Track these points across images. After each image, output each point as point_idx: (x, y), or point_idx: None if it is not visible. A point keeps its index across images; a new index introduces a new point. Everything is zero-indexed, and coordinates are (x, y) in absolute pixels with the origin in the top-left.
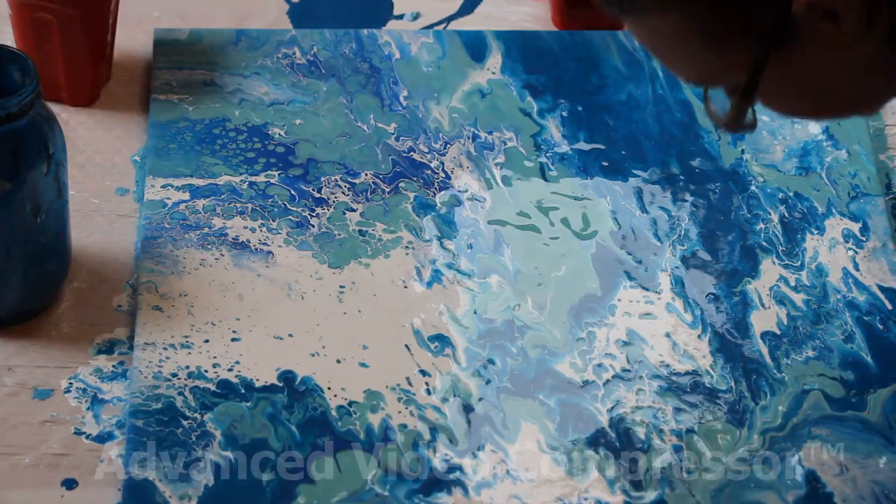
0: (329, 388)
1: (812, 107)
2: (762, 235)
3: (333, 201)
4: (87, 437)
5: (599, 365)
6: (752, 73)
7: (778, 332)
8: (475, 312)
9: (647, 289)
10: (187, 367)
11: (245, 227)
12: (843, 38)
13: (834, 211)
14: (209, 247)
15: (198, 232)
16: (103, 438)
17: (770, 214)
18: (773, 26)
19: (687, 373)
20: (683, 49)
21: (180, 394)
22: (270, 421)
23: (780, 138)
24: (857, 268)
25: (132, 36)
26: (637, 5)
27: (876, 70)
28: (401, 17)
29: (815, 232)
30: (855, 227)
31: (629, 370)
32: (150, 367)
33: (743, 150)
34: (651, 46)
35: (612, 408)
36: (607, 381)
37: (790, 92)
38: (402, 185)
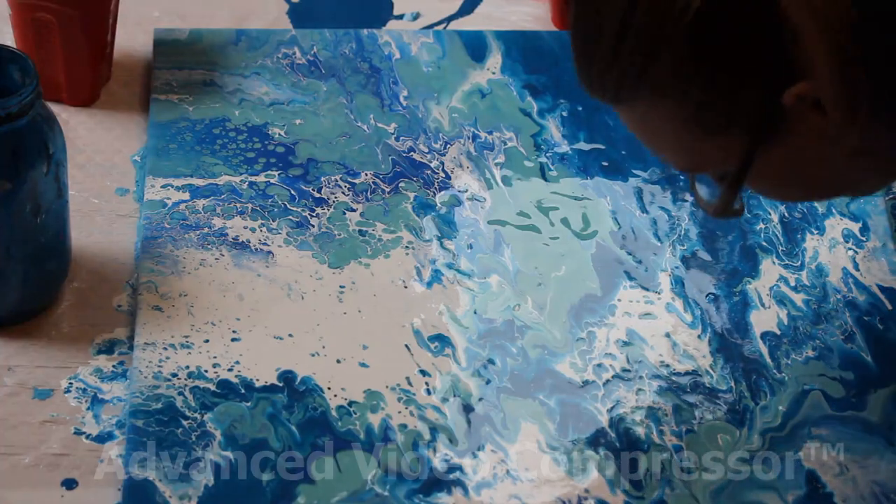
0: (329, 388)
1: (802, 192)
2: (762, 235)
3: (333, 201)
4: (87, 437)
5: (599, 365)
6: (742, 162)
7: (778, 333)
8: (475, 312)
9: (647, 289)
10: (187, 367)
11: (245, 227)
12: (828, 129)
13: (834, 211)
14: (209, 247)
15: (198, 232)
16: (103, 438)
17: (770, 214)
18: (763, 116)
19: (687, 373)
20: (673, 137)
21: (180, 394)
22: (270, 421)
23: None
24: (857, 268)
25: (132, 36)
26: (628, 94)
27: (864, 155)
28: (401, 17)
29: (815, 232)
30: (855, 227)
31: (629, 370)
32: (150, 367)
33: None
34: (641, 134)
35: (612, 408)
36: (607, 381)
37: (780, 179)
38: (402, 185)
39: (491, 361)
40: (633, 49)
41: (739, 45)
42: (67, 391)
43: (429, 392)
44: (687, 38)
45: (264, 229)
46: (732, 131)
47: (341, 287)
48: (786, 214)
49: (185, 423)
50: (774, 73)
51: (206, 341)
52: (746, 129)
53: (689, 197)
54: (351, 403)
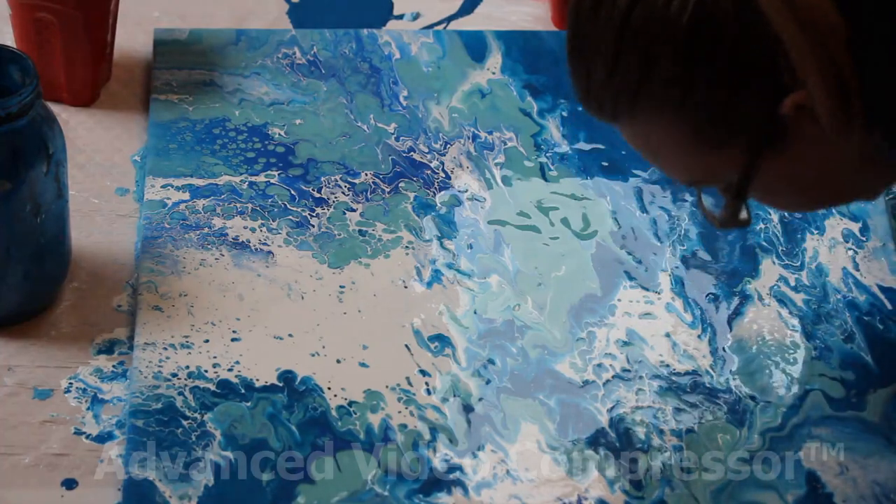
0: (329, 388)
1: (806, 201)
2: (762, 235)
3: (333, 201)
4: (87, 437)
5: (599, 365)
6: (744, 174)
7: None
8: (475, 312)
9: (647, 289)
10: (187, 367)
11: (245, 227)
12: (826, 137)
13: (834, 211)
14: (209, 247)
15: (198, 232)
16: (103, 438)
17: (770, 214)
18: (763, 128)
19: (687, 373)
20: (674, 152)
21: (180, 394)
22: (270, 421)
23: None
24: (857, 268)
25: (132, 36)
26: (626, 111)
27: (865, 162)
28: (401, 17)
29: (815, 232)
30: (855, 227)
31: (629, 370)
32: (150, 367)
33: None
34: (643, 150)
35: (612, 408)
36: (607, 381)
37: (783, 189)
38: (402, 185)
39: (491, 361)
40: (628, 66)
41: (733, 59)
42: (67, 391)
43: (429, 392)
44: (680, 53)
45: (264, 229)
46: (733, 144)
47: (341, 287)
48: (786, 215)
49: (185, 423)
50: (771, 84)
51: (206, 341)
52: (747, 141)
53: (689, 197)
54: (351, 403)
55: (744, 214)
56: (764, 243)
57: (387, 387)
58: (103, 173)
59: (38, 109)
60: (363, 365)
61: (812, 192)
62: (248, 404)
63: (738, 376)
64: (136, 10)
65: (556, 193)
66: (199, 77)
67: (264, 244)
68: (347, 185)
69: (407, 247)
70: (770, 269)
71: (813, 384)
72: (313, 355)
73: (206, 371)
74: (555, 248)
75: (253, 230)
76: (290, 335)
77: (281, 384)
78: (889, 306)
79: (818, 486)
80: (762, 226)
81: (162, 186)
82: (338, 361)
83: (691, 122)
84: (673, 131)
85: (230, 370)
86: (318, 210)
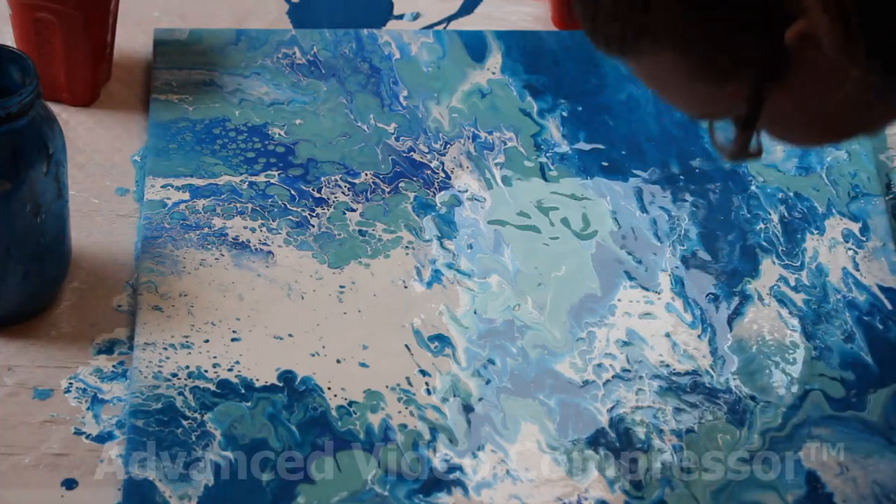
0: (329, 388)
1: (815, 134)
2: (762, 235)
3: (333, 201)
4: (87, 437)
5: (599, 365)
6: (751, 105)
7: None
8: (475, 312)
9: (647, 289)
10: (187, 367)
11: (245, 227)
12: (836, 71)
13: (834, 211)
14: (209, 247)
15: (198, 232)
16: (103, 438)
17: (770, 214)
18: (767, 58)
19: (687, 373)
20: (682, 86)
21: (180, 394)
22: (270, 421)
23: None
24: (857, 268)
25: (132, 36)
26: (633, 46)
27: (871, 100)
28: (401, 17)
29: (815, 232)
30: (855, 227)
31: (629, 370)
32: (150, 367)
33: None
34: (652, 84)
35: (612, 408)
36: (607, 381)
37: (791, 121)
38: (402, 185)
39: (491, 361)
40: (631, 3)
41: None
42: (67, 391)
43: (429, 392)
44: None
45: (264, 229)
46: (739, 77)
47: (341, 287)
48: (786, 214)
49: (185, 423)
50: (773, 14)
51: (206, 341)
52: (752, 74)
53: (689, 197)
54: (351, 403)
55: (754, 146)
56: (764, 243)
57: (387, 387)
58: (103, 173)
59: (38, 109)
60: (363, 365)
61: (821, 125)
62: (248, 404)
63: (738, 376)
64: (136, 10)
65: (556, 193)
66: (199, 77)
67: (264, 244)
68: (347, 185)
69: (407, 247)
70: (770, 269)
71: (813, 384)
72: (313, 355)
73: (206, 371)
74: (555, 248)
75: (253, 230)
76: (290, 335)
77: (281, 384)
78: (889, 306)
79: (818, 486)
80: (762, 226)
81: (162, 186)
82: (338, 361)
83: (695, 55)
84: (678, 65)
85: (230, 370)
86: (318, 210)
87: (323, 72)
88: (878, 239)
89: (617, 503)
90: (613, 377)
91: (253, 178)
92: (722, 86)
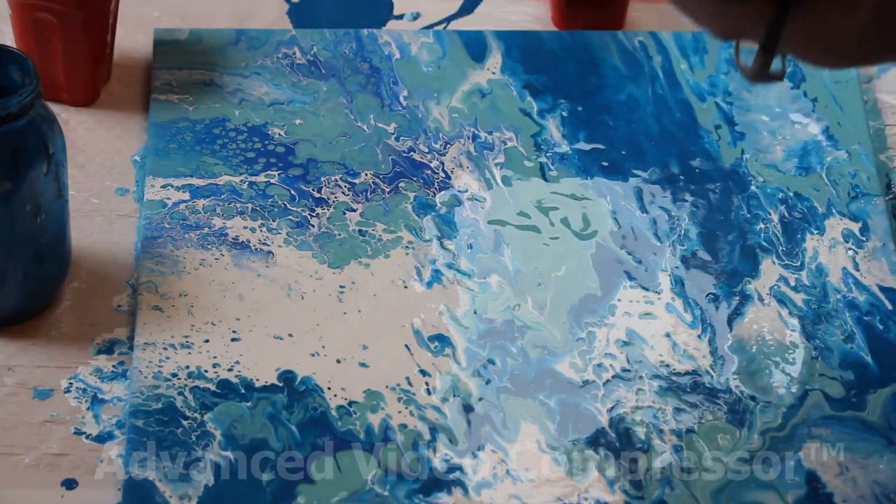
0: (329, 388)
1: (838, 57)
2: (762, 235)
3: (333, 201)
4: (87, 437)
5: (599, 365)
6: (770, 28)
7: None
8: (475, 312)
9: (647, 289)
10: (187, 367)
11: (245, 227)
12: None
13: (834, 211)
14: (209, 247)
15: (198, 232)
16: (103, 438)
17: (770, 214)
18: None
19: (687, 373)
20: (705, 6)
21: (180, 394)
22: (270, 421)
23: (780, 138)
24: (857, 268)
25: (132, 36)
26: None
27: (890, 21)
28: (401, 17)
29: (815, 232)
30: (855, 227)
31: (629, 370)
32: (150, 367)
33: (743, 151)
34: (675, 3)
35: (612, 408)
36: (607, 381)
37: (813, 43)
38: (402, 185)
39: (491, 361)
40: None
41: None
42: (67, 391)
43: (429, 392)
44: None
45: (264, 229)
46: None
47: (341, 287)
48: (786, 214)
49: (185, 423)
50: None
51: (206, 341)
52: None
53: (689, 197)
54: (351, 403)
55: (776, 68)
56: (764, 243)
57: (387, 387)
58: (103, 173)
59: (38, 109)
60: (363, 365)
61: (842, 48)
62: (248, 404)
63: (738, 376)
64: (136, 10)
65: (556, 193)
66: (199, 77)
67: (264, 244)
68: (347, 185)
69: (407, 247)
70: (770, 269)
71: (813, 384)
72: (313, 355)
73: (206, 371)
74: (555, 248)
75: (253, 230)
76: (290, 335)
77: (281, 384)
78: (889, 306)
79: (818, 486)
80: (762, 226)
81: (162, 186)
82: (338, 361)
83: None
84: None
85: (230, 370)
86: (318, 210)
87: (323, 72)
88: (878, 239)
89: (617, 503)
90: (613, 377)
91: (253, 178)
92: (744, 5)
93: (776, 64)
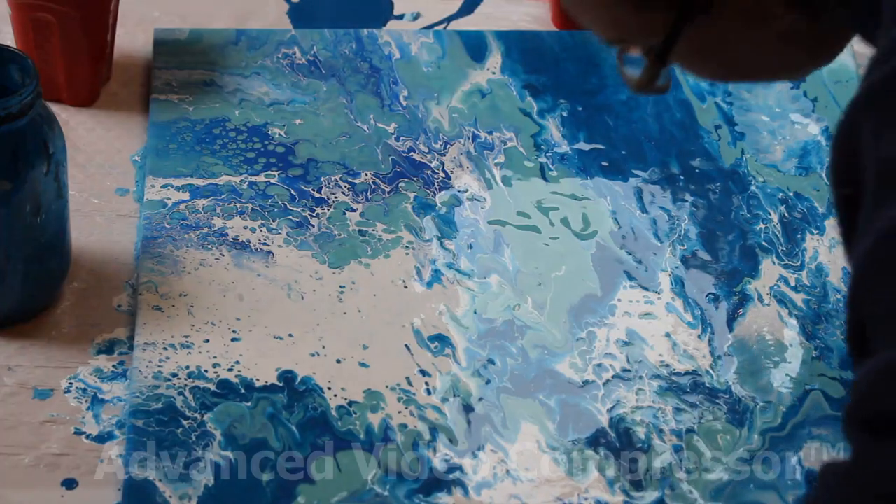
0: (329, 388)
1: (729, 72)
2: (762, 235)
3: (333, 201)
4: (87, 437)
5: (599, 365)
6: (668, 38)
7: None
8: (475, 312)
9: (647, 289)
10: (187, 367)
11: (245, 227)
12: (761, 8)
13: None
14: (209, 247)
15: (198, 232)
16: (103, 438)
17: (770, 214)
18: None
19: (687, 373)
20: (603, 10)
21: (180, 394)
22: (270, 421)
23: (779, 138)
24: None
25: (132, 36)
26: None
27: (793, 42)
28: (401, 17)
29: (815, 232)
30: None
31: (629, 370)
32: (150, 367)
33: (743, 150)
34: (574, 8)
35: (612, 408)
36: (607, 381)
37: (706, 57)
38: (402, 185)
39: (491, 361)
40: None
41: None
42: (67, 391)
43: (429, 392)
44: None
45: (264, 229)
46: (661, 5)
47: (341, 287)
48: (786, 214)
49: (185, 423)
50: None
51: (206, 341)
52: (675, 4)
53: (689, 197)
54: (351, 403)
55: (662, 81)
56: (764, 243)
57: (387, 387)
58: (103, 173)
59: (38, 109)
60: (363, 365)
61: (735, 63)
62: (248, 404)
63: (738, 376)
64: (136, 10)
65: (556, 193)
66: (199, 77)
67: (264, 244)
68: (347, 185)
69: (407, 247)
70: (770, 269)
71: (813, 384)
72: (313, 355)
73: (206, 371)
74: (555, 248)
75: (253, 230)
76: (290, 335)
77: (281, 384)
78: None
79: None
80: (762, 226)
81: (162, 186)
82: (338, 361)
83: None
84: None
85: (230, 370)
86: (318, 210)
87: (323, 72)
88: None
89: (617, 503)
90: (613, 377)
91: (253, 178)
92: (639, 12)
93: (662, 78)
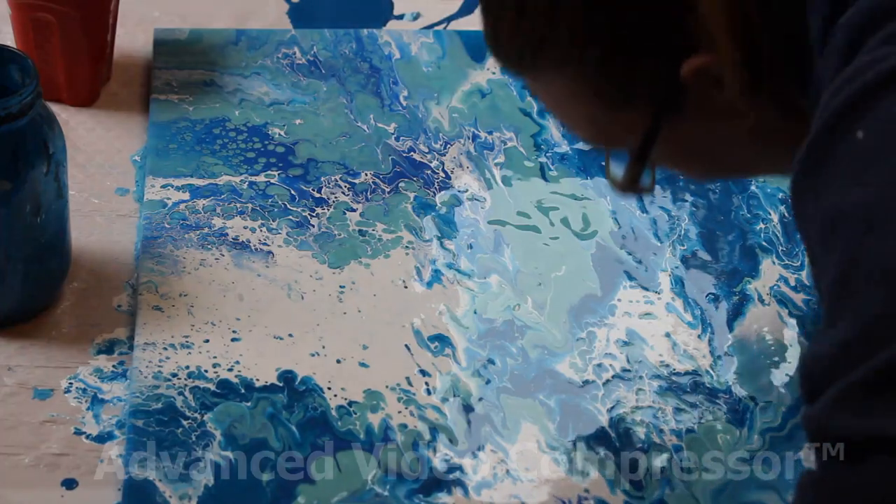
0: (329, 388)
1: (712, 170)
2: (762, 235)
3: (333, 201)
4: (87, 437)
5: (599, 365)
6: (644, 140)
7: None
8: (475, 312)
9: (647, 289)
10: (187, 367)
11: (245, 227)
12: (727, 107)
13: None
14: (209, 247)
15: (198, 232)
16: (103, 438)
17: (770, 214)
18: (663, 93)
19: (687, 373)
20: (578, 111)
21: (180, 394)
22: (270, 421)
23: None
24: None
25: (132, 36)
26: (533, 62)
27: (768, 136)
28: (401, 17)
29: None
30: None
31: (629, 370)
32: (150, 367)
33: None
34: (550, 107)
35: (612, 408)
36: (607, 381)
37: (685, 156)
38: (402, 185)
39: (491, 361)
40: (535, 12)
41: (633, 19)
42: (67, 391)
43: (429, 392)
44: (581, 10)
45: (264, 229)
46: (635, 107)
47: (341, 287)
48: (786, 214)
49: (185, 423)
50: (673, 47)
51: (206, 341)
52: (648, 105)
53: (689, 197)
54: (351, 403)
55: (646, 181)
56: (764, 243)
57: (387, 387)
58: (103, 173)
59: (38, 109)
60: (363, 365)
61: (715, 161)
62: (248, 404)
63: (738, 376)
64: (136, 10)
65: (556, 193)
66: (199, 77)
67: (264, 244)
68: (347, 185)
69: (407, 247)
70: (770, 269)
71: None
72: (313, 355)
73: (206, 371)
74: (555, 248)
75: (253, 230)
76: (290, 335)
77: (281, 384)
78: None
79: None
80: (762, 226)
81: (162, 186)
82: (338, 361)
83: (591, 81)
84: (574, 90)
85: (230, 370)
86: (318, 210)
87: (323, 72)
88: None
89: (617, 503)
90: (613, 377)
91: (253, 178)
92: (616, 115)
93: (646, 178)
